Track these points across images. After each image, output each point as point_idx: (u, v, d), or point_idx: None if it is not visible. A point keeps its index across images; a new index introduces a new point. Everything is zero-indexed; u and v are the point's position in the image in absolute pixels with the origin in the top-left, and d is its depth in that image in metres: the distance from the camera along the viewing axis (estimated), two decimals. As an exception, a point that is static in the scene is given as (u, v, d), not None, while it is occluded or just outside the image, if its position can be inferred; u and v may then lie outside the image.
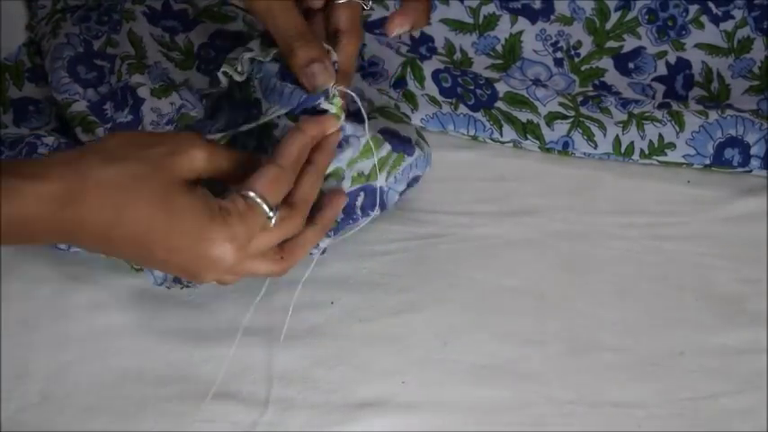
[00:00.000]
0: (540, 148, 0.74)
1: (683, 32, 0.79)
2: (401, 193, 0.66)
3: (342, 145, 0.61)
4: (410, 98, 0.74)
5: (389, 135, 0.64)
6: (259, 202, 0.54)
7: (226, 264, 0.53)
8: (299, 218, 0.57)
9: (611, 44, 0.79)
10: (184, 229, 0.52)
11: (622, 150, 0.73)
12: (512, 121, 0.73)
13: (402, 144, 0.65)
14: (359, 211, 0.64)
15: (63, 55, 0.74)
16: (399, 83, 0.74)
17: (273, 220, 0.55)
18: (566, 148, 0.73)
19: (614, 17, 0.79)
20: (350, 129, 0.61)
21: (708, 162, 0.72)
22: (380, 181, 0.64)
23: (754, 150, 0.72)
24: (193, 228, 0.52)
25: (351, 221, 0.64)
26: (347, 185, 0.62)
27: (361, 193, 0.64)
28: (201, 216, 0.52)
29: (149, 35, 0.76)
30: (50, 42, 0.75)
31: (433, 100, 0.74)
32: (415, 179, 0.67)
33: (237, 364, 0.62)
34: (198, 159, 0.54)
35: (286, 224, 0.56)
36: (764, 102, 0.76)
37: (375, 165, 0.63)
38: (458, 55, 0.78)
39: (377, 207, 0.65)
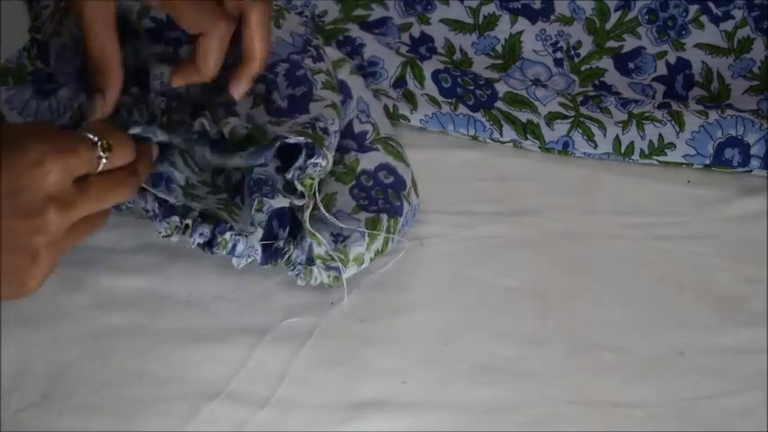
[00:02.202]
0: (540, 148, 0.74)
1: (683, 32, 0.79)
2: None
3: (350, 237, 0.63)
4: (410, 98, 0.74)
5: (383, 200, 0.65)
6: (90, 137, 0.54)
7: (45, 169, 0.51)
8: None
9: (611, 44, 0.79)
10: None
11: (622, 150, 0.73)
12: (512, 121, 0.73)
13: (393, 207, 0.66)
14: None
15: (73, 60, 0.73)
16: (399, 83, 0.74)
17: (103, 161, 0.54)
18: (566, 148, 0.73)
19: (614, 17, 0.79)
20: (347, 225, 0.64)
21: (708, 162, 0.72)
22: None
23: (754, 150, 0.72)
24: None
25: None
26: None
27: None
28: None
29: (151, 55, 0.75)
30: (55, 41, 0.75)
31: (432, 100, 0.74)
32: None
33: (237, 363, 0.62)
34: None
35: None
36: (764, 102, 0.76)
37: (383, 239, 0.65)
38: (458, 55, 0.78)
39: None
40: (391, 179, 0.66)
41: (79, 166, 0.53)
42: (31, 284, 0.53)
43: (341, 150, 0.67)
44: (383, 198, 0.66)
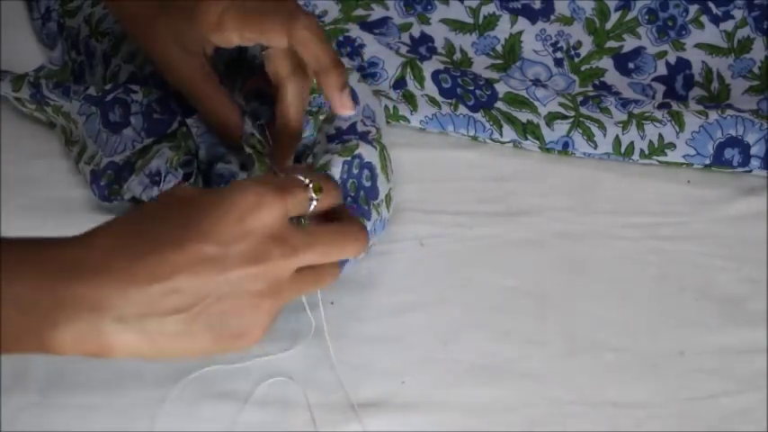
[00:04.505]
0: (540, 148, 0.74)
1: (683, 32, 0.79)
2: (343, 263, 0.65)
3: None
4: (410, 99, 0.74)
5: (352, 198, 0.64)
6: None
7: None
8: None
9: (611, 44, 0.79)
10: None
11: (622, 150, 0.73)
12: (512, 121, 0.73)
13: (360, 209, 0.64)
14: None
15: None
16: (399, 83, 0.74)
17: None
18: (566, 148, 0.73)
19: (614, 17, 0.79)
20: None
21: (708, 162, 0.72)
22: None
23: (754, 150, 0.72)
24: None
25: None
26: None
27: None
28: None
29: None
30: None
31: (432, 101, 0.74)
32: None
33: (237, 363, 0.62)
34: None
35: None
36: (764, 102, 0.76)
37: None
38: (458, 55, 0.78)
39: None
40: (368, 184, 0.65)
41: (294, 206, 0.53)
42: (254, 334, 0.52)
43: (342, 142, 0.66)
44: (354, 195, 0.64)
